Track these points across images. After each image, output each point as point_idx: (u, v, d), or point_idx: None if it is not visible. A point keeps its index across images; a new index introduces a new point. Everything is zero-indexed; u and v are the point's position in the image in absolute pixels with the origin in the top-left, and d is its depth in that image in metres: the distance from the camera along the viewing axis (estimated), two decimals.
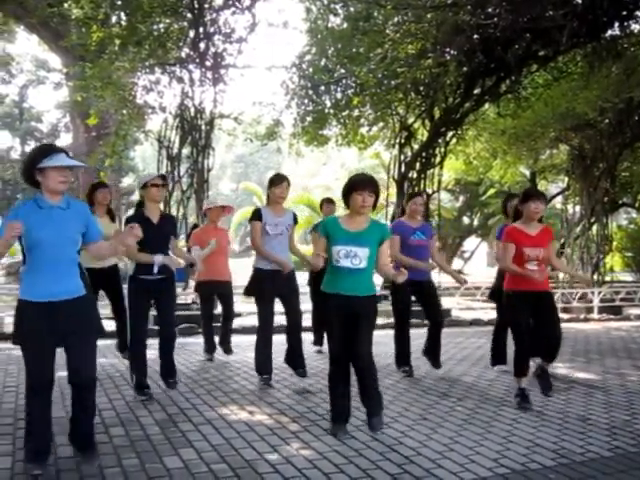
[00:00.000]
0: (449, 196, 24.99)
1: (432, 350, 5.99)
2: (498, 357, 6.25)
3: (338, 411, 4.15)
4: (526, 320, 4.82)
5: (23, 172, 3.29)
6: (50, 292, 3.26)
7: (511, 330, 5.03)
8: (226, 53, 9.90)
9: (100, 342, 3.65)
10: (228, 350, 6.68)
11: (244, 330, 8.20)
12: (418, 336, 6.31)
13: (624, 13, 9.70)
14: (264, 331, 5.41)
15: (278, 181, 5.36)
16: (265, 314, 5.40)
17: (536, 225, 4.88)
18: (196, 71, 9.81)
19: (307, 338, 7.24)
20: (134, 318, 4.91)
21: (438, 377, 5.85)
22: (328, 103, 12.02)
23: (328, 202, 7.21)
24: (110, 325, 6.13)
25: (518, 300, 4.84)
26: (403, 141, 11.79)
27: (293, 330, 5.49)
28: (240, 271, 6.79)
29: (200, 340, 7.00)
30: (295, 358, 5.52)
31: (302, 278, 5.95)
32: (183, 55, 10.03)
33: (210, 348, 6.67)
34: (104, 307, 6.35)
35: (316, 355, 6.88)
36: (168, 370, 5.09)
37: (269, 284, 5.33)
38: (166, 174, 9.37)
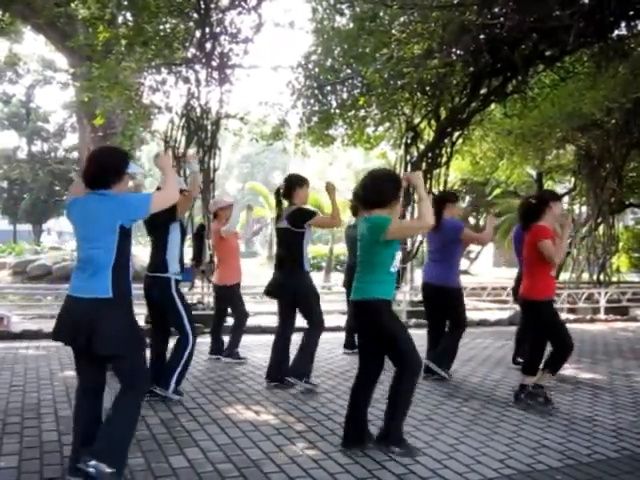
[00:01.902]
0: None
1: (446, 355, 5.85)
2: None
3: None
4: None
5: (111, 173, 3.18)
6: None
7: (556, 334, 4.88)
8: (232, 53, 9.91)
9: None
10: (236, 355, 6.55)
11: (250, 330, 8.18)
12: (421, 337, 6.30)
13: (631, 13, 9.64)
14: (320, 331, 5.33)
15: (304, 183, 5.34)
16: (321, 313, 5.35)
17: None
18: (202, 71, 9.81)
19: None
20: (190, 322, 4.89)
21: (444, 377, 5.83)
22: (334, 103, 12.01)
23: None
24: None
25: (552, 306, 4.94)
26: (409, 141, 11.76)
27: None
28: (249, 272, 6.80)
29: (206, 340, 7.00)
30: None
31: (317, 278, 5.91)
32: (189, 55, 10.04)
33: (217, 348, 6.67)
34: None
35: (323, 355, 6.87)
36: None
37: None
38: None
